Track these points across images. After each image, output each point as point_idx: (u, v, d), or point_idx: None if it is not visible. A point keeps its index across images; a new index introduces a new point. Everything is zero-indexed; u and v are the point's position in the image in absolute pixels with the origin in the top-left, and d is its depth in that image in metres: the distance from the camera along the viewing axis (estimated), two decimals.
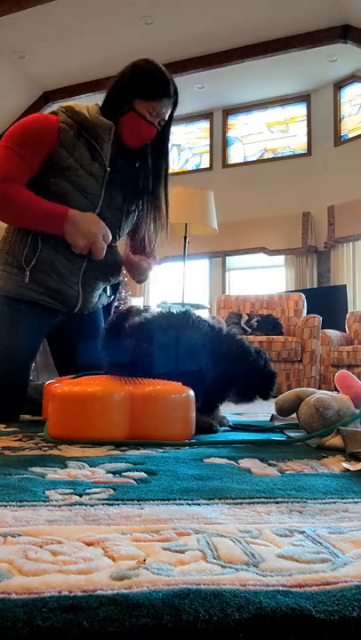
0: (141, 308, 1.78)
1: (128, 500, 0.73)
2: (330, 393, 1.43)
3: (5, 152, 1.66)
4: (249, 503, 0.73)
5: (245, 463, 1.03)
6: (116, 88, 1.74)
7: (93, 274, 1.81)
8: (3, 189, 1.64)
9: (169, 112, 1.77)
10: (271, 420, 1.83)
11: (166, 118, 1.77)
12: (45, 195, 1.68)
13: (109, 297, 1.99)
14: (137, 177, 1.85)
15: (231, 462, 1.03)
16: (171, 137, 1.87)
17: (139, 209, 1.90)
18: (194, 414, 1.36)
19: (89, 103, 1.77)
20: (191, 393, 1.36)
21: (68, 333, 1.93)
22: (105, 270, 1.83)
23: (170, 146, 1.88)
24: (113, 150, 1.76)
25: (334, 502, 0.75)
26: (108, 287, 1.96)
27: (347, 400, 1.39)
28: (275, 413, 1.65)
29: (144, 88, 1.70)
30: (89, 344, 1.95)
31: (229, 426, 1.68)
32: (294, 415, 1.52)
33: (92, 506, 0.70)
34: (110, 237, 1.75)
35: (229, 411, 1.82)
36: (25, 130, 1.68)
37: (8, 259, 1.77)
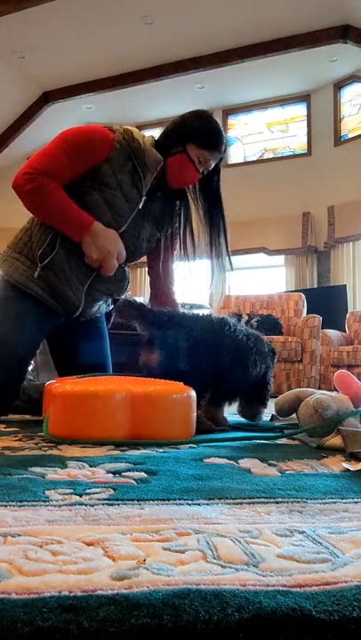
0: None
1: (128, 499, 0.73)
2: (329, 393, 1.43)
3: (56, 150, 1.71)
4: (249, 503, 0.73)
5: (245, 463, 1.03)
6: (174, 129, 1.82)
7: (99, 287, 1.85)
8: (41, 182, 1.68)
9: (213, 165, 1.85)
10: (271, 420, 1.83)
11: (210, 169, 1.85)
12: (77, 201, 1.73)
13: (109, 306, 2.03)
14: (170, 214, 1.94)
15: (231, 462, 1.03)
16: (219, 188, 1.94)
17: (160, 241, 1.99)
18: (195, 414, 1.36)
19: (146, 135, 1.85)
20: (192, 393, 1.36)
21: (69, 335, 1.96)
22: (111, 286, 1.88)
23: (220, 197, 1.94)
24: (155, 183, 1.82)
25: (334, 502, 0.75)
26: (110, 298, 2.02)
27: (346, 400, 1.39)
28: (275, 413, 1.66)
29: (202, 136, 1.78)
30: (90, 346, 1.95)
31: (229, 426, 1.68)
32: (294, 415, 1.52)
33: (92, 506, 0.70)
34: (124, 258, 1.81)
35: (229, 411, 1.82)
36: (82, 136, 1.74)
37: (24, 250, 1.81)
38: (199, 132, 1.78)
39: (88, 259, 1.75)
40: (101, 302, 1.95)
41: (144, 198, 1.80)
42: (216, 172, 1.89)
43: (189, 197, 1.95)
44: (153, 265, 2.05)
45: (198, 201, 1.93)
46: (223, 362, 1.60)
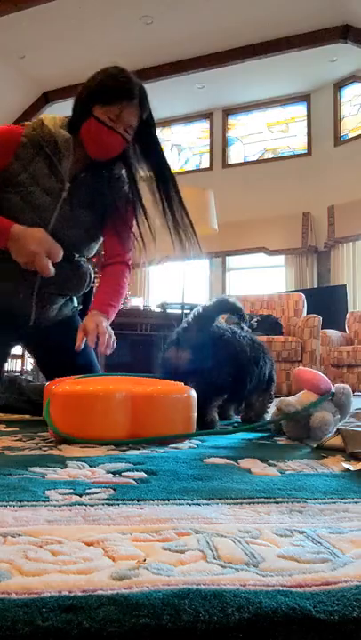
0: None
1: (128, 499, 0.73)
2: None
3: None
4: (249, 503, 0.73)
5: (245, 463, 1.03)
6: (77, 98, 1.65)
7: (50, 289, 1.75)
8: None
9: (136, 118, 1.61)
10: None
11: (134, 125, 1.62)
12: (0, 210, 1.64)
13: (76, 307, 1.91)
14: (107, 192, 1.74)
15: (231, 462, 1.03)
16: (158, 143, 1.70)
17: (106, 223, 1.80)
18: (195, 414, 1.37)
19: (61, 115, 1.70)
20: (193, 393, 1.36)
21: (45, 341, 1.88)
22: (63, 285, 1.77)
23: (161, 149, 1.71)
24: (78, 165, 1.68)
25: (334, 502, 0.75)
26: (74, 298, 1.89)
27: (309, 396, 1.39)
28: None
29: (102, 90, 1.59)
30: (69, 347, 1.83)
31: (232, 426, 1.69)
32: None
33: (92, 506, 0.70)
34: (60, 253, 1.64)
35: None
36: None
37: None
38: (98, 87, 1.60)
39: (20, 264, 1.63)
40: (61, 304, 1.83)
41: (68, 185, 1.67)
42: (148, 126, 1.66)
43: (132, 163, 1.72)
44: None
45: (140, 163, 1.72)
46: (242, 363, 1.62)
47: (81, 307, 1.95)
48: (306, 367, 4.31)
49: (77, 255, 1.79)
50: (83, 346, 1.64)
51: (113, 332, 1.73)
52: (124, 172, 1.77)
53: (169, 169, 1.73)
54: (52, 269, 1.61)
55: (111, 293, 1.82)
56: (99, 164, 1.70)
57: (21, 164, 1.64)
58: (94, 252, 1.89)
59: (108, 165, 1.72)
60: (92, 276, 1.89)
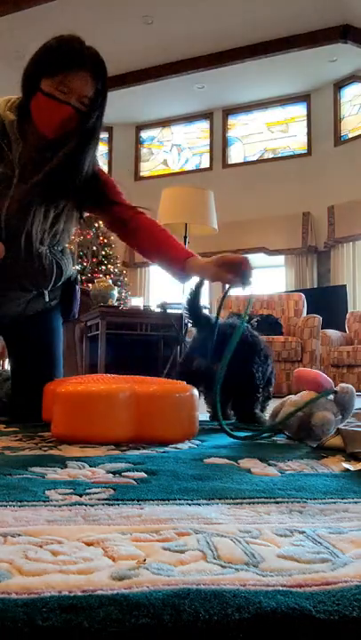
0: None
1: (128, 500, 0.73)
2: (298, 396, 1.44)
3: None
4: (249, 503, 0.73)
5: (245, 463, 1.03)
6: (23, 73, 1.50)
7: (4, 285, 1.66)
8: None
9: (90, 87, 1.45)
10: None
11: (89, 94, 1.45)
12: None
13: (48, 302, 1.79)
14: (66, 175, 1.57)
15: (231, 462, 1.03)
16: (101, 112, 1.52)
17: (63, 206, 1.64)
18: (198, 413, 1.37)
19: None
20: (195, 392, 1.36)
21: (17, 337, 1.82)
22: (23, 279, 1.67)
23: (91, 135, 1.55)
24: (31, 148, 1.56)
25: (334, 502, 0.75)
26: (46, 293, 1.76)
27: (311, 395, 1.39)
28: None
29: (48, 60, 1.43)
30: (35, 347, 1.78)
31: (235, 426, 1.69)
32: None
33: (92, 506, 0.70)
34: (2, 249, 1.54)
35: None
36: None
37: None
38: (44, 57, 1.45)
39: None
40: (28, 299, 1.74)
41: (17, 171, 1.55)
42: (104, 97, 1.50)
43: (91, 137, 1.56)
44: (108, 225, 1.73)
45: (98, 133, 1.58)
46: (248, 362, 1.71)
47: (57, 301, 1.83)
48: (306, 367, 4.32)
49: (41, 247, 1.64)
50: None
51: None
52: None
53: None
54: None
55: (173, 239, 1.63)
56: (56, 144, 1.53)
57: None
58: (67, 241, 1.75)
59: (66, 143, 1.52)
60: (67, 269, 1.76)
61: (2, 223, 1.57)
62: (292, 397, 1.42)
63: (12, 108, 1.55)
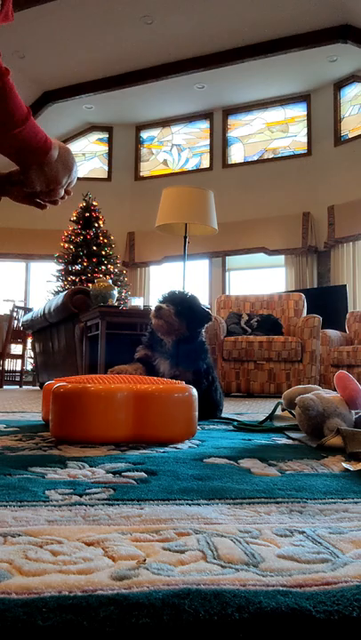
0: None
1: (128, 499, 0.73)
2: (330, 392, 1.44)
3: None
4: (249, 503, 0.73)
5: (245, 463, 1.03)
6: None
7: None
8: None
9: None
10: (271, 420, 1.83)
11: None
12: None
13: None
14: None
15: (231, 462, 1.03)
16: None
17: None
18: (196, 413, 1.37)
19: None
20: (194, 392, 1.36)
21: None
22: None
23: None
24: None
25: (334, 502, 0.75)
26: None
27: (338, 402, 1.38)
28: (276, 413, 1.66)
29: None
30: None
31: (234, 426, 1.69)
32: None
33: (92, 506, 0.70)
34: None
35: (230, 411, 1.82)
36: None
37: None
38: None
39: (30, 188, 1.31)
40: None
41: None
42: None
43: None
44: None
45: None
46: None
47: None
48: (307, 367, 4.31)
49: None
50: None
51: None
52: None
53: None
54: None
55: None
56: None
57: None
58: None
59: None
60: None
61: None
62: (322, 393, 1.42)
63: None
